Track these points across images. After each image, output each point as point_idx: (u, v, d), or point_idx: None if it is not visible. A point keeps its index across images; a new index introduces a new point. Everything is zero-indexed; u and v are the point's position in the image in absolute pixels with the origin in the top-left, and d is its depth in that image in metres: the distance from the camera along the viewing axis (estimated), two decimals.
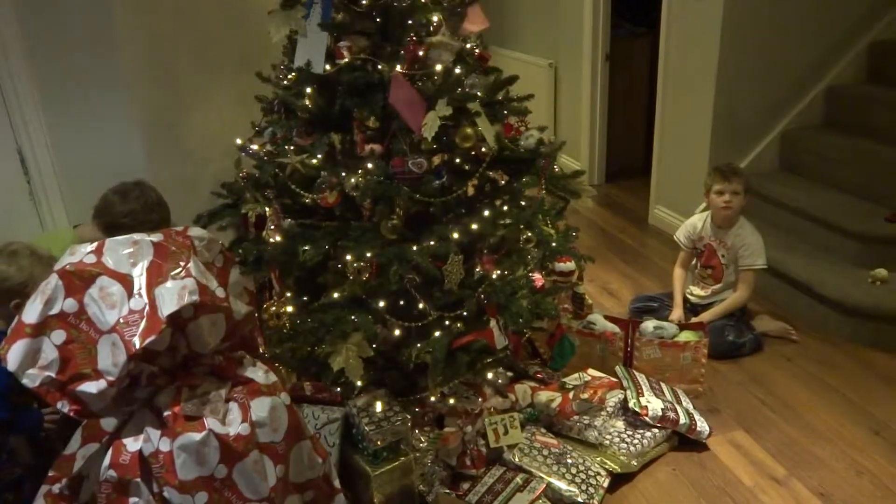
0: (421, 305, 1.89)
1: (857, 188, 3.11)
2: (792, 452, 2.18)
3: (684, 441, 2.22)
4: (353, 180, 1.76)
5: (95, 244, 1.64)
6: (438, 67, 1.86)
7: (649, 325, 2.48)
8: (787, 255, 3.00)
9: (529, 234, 1.89)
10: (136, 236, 1.67)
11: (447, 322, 1.91)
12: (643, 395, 2.25)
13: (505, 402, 2.20)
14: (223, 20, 2.79)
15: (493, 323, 1.89)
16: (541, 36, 4.90)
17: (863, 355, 2.66)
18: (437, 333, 1.91)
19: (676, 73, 3.60)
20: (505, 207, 1.93)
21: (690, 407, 2.32)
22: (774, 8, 3.24)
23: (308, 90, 1.87)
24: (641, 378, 2.38)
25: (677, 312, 2.83)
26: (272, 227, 1.95)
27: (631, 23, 4.72)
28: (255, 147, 2.00)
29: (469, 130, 1.82)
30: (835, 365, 2.62)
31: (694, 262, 2.94)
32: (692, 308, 2.89)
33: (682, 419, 2.19)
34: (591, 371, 2.41)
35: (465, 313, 1.90)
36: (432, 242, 1.81)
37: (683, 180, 3.67)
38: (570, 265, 2.05)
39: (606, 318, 2.56)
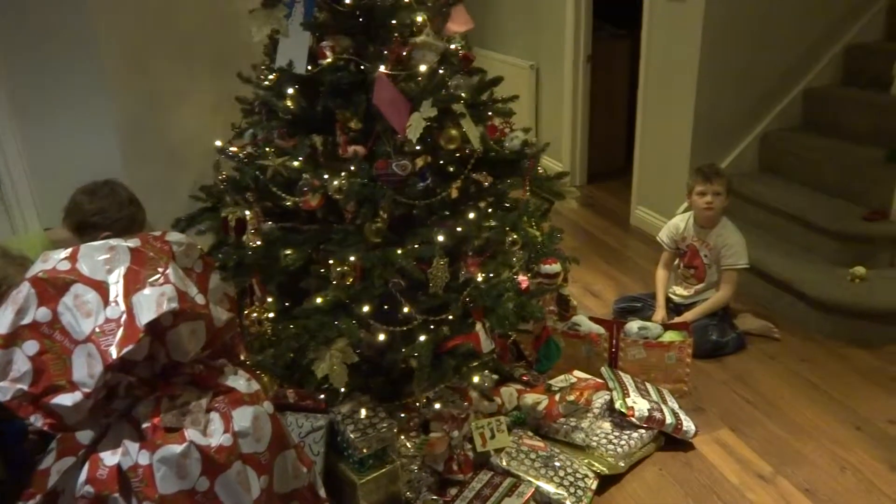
0: (406, 309, 1.86)
1: (834, 188, 3.15)
2: (777, 450, 2.19)
3: (670, 441, 2.22)
4: (336, 183, 1.73)
5: (69, 250, 1.59)
6: (423, 68, 1.83)
7: (634, 325, 2.48)
8: (768, 254, 3.02)
9: (515, 237, 1.87)
10: (112, 242, 1.63)
11: (432, 326, 1.88)
12: (629, 396, 2.24)
13: (491, 406, 2.18)
14: (203, 19, 2.74)
15: (478, 326, 1.87)
16: (522, 37, 4.89)
17: (843, 352, 2.69)
18: (422, 338, 1.89)
19: (657, 75, 3.61)
20: (490, 209, 1.91)
21: (676, 406, 2.32)
22: (754, 10, 3.26)
23: (290, 91, 1.83)
24: (627, 379, 2.37)
25: (660, 313, 2.84)
26: (252, 231, 1.91)
27: (612, 24, 4.73)
28: (234, 149, 1.96)
29: (454, 132, 1.80)
30: (816, 362, 2.64)
31: (676, 262, 2.94)
32: (675, 308, 2.89)
33: (669, 419, 2.18)
34: (577, 373, 2.40)
35: (450, 317, 1.88)
36: (417, 246, 1.79)
37: (664, 181, 3.68)
38: (555, 267, 2.03)
39: (591, 319, 2.55)
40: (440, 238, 1.79)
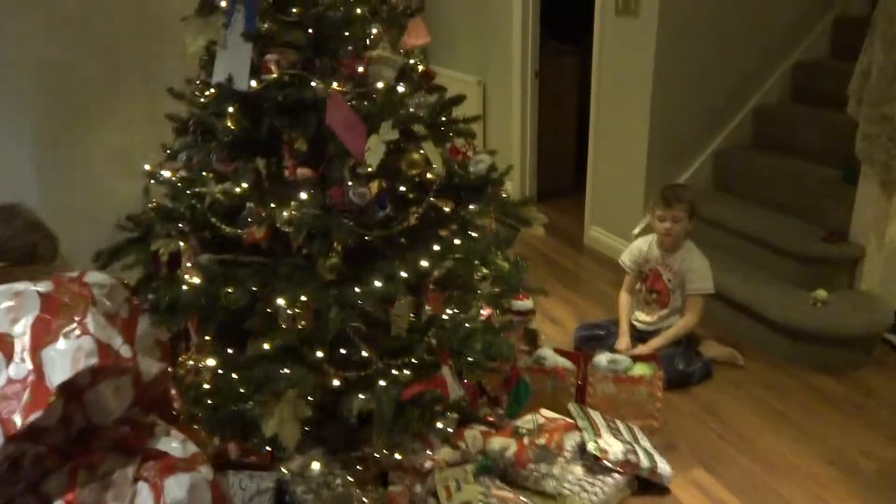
0: (364, 353, 1.67)
1: (790, 207, 3.12)
2: (753, 489, 2.09)
3: (643, 483, 2.09)
4: (285, 213, 1.52)
5: None
6: (380, 85, 1.65)
7: (603, 358, 2.35)
8: (728, 277, 2.95)
9: (485, 271, 1.70)
10: (19, 286, 1.38)
11: (394, 371, 1.69)
12: (601, 437, 2.10)
13: (455, 454, 2.00)
14: (131, 28, 2.46)
15: (445, 370, 1.69)
16: (469, 53, 4.77)
17: (809, 378, 2.63)
18: (381, 382, 1.69)
19: (610, 91, 3.54)
20: (456, 240, 1.73)
21: (649, 446, 2.19)
22: (705, 26, 3.23)
23: (230, 109, 1.61)
24: (597, 416, 2.23)
25: (624, 340, 2.73)
26: (188, 265, 1.68)
27: (558, 40, 4.67)
28: (167, 173, 1.72)
29: (416, 156, 1.63)
30: (783, 390, 2.58)
31: (639, 286, 2.85)
32: (639, 335, 2.78)
33: (644, 462, 2.05)
34: (544, 411, 2.24)
35: (413, 360, 1.69)
36: (378, 283, 1.59)
37: (619, 200, 3.60)
38: (528, 303, 1.88)
39: (556, 351, 2.41)
40: (403, 274, 1.60)
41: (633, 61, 3.30)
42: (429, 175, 1.72)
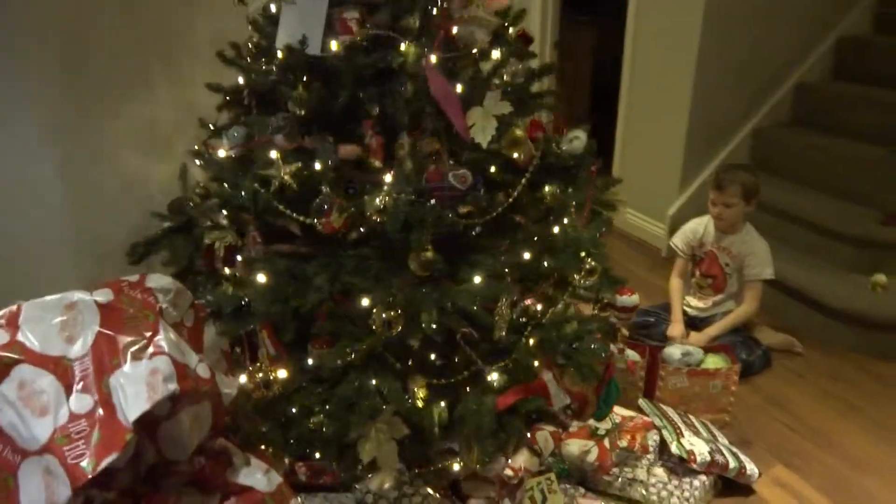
0: (455, 358, 1.46)
1: (837, 188, 2.99)
2: (842, 488, 1.97)
3: (726, 483, 1.95)
4: (378, 200, 1.29)
5: (5, 312, 1.09)
6: (474, 50, 1.42)
7: (676, 350, 2.18)
8: (777, 261, 2.81)
9: (593, 263, 1.50)
10: (75, 295, 1.13)
11: (488, 376, 1.49)
12: (683, 436, 1.94)
13: (533, 460, 1.82)
14: None
15: (548, 375, 1.49)
16: None
17: (873, 367, 2.52)
18: (470, 389, 1.49)
19: (646, 66, 3.34)
20: (556, 228, 1.53)
21: (727, 443, 2.04)
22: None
23: (304, 77, 1.36)
24: (673, 413, 2.08)
25: (678, 328, 2.56)
26: (249, 261, 1.44)
27: (574, 10, 4.45)
28: (221, 152, 1.47)
29: (519, 133, 1.41)
30: (848, 380, 2.46)
31: (691, 270, 2.69)
32: (690, 321, 2.63)
33: (732, 462, 1.90)
34: (617, 409, 2.07)
35: (510, 364, 1.49)
36: (477, 279, 1.38)
37: (654, 181, 3.42)
38: (633, 298, 1.68)
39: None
40: (507, 269, 1.39)
41: (676, 36, 3.09)
42: (518, 154, 1.50)
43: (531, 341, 1.50)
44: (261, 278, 1.39)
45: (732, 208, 2.49)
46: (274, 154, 1.35)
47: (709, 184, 2.56)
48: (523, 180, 1.49)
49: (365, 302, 1.36)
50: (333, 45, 1.33)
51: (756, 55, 3.17)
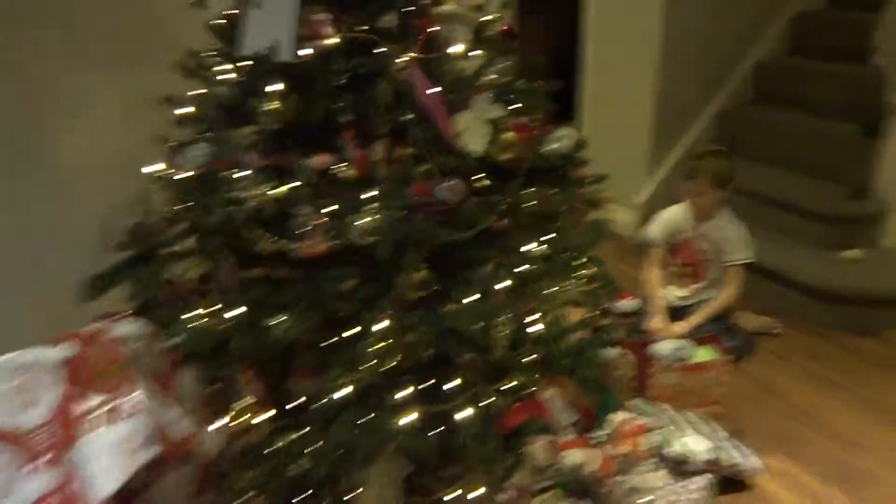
0: (453, 383, 1.36)
1: (801, 165, 3.00)
2: (840, 471, 1.96)
3: (723, 480, 1.91)
4: (366, 219, 1.18)
5: None
6: (457, 49, 1.32)
7: (667, 346, 2.13)
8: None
9: (593, 269, 1.42)
10: (31, 353, 0.99)
11: (488, 398, 1.39)
12: (684, 436, 1.90)
13: (534, 476, 1.74)
14: None
15: (549, 392, 1.41)
16: None
17: (850, 343, 2.54)
18: (470, 412, 1.40)
19: (606, 52, 3.29)
20: (547, 235, 1.44)
21: (726, 436, 2.01)
22: None
23: (278, 87, 1.23)
24: (669, 411, 2.03)
25: (658, 320, 2.52)
26: (224, 290, 1.31)
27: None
28: (186, 173, 1.33)
29: (511, 135, 1.31)
30: (830, 358, 2.47)
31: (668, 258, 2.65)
32: (672, 311, 2.59)
33: (735, 457, 1.87)
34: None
35: (513, 384, 1.40)
36: (473, 297, 1.28)
37: (621, 168, 3.36)
38: (633, 303, 1.62)
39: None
40: (507, 282, 1.30)
41: (636, 18, 3.04)
42: (510, 158, 1.41)
43: (532, 357, 1.41)
44: (241, 309, 1.27)
45: (705, 196, 2.45)
46: (245, 172, 1.22)
47: (681, 171, 2.52)
48: (516, 185, 1.40)
49: (354, 330, 1.25)
50: (307, 50, 1.21)
51: (715, 33, 3.15)
